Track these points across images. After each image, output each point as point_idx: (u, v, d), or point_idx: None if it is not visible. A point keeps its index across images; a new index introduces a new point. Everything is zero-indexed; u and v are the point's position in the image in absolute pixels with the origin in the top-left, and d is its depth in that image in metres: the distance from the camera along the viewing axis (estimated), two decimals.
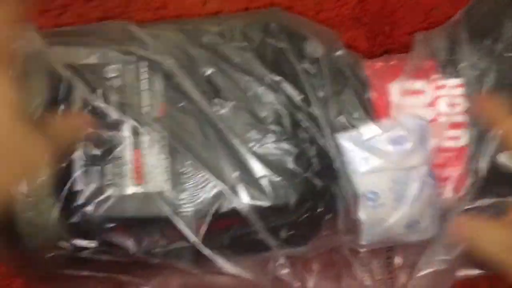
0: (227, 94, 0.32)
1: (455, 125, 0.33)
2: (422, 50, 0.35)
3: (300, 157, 0.31)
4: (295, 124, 0.32)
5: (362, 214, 0.33)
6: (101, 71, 0.32)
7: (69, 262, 0.31)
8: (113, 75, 0.32)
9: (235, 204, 0.31)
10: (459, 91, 0.33)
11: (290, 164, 0.31)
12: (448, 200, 0.34)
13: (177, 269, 0.32)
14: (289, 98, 0.32)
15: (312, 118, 0.32)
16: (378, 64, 0.36)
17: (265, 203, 0.31)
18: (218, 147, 0.31)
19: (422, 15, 0.41)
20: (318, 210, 0.32)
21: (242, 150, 0.31)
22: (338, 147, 0.32)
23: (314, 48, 0.34)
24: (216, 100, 0.32)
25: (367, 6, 0.41)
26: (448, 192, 0.34)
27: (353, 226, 0.33)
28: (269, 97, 0.32)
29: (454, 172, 0.33)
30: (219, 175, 0.30)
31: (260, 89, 0.32)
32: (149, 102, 0.31)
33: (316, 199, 0.32)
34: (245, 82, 0.32)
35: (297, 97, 0.32)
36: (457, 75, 0.33)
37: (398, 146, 0.32)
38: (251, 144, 0.31)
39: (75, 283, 0.33)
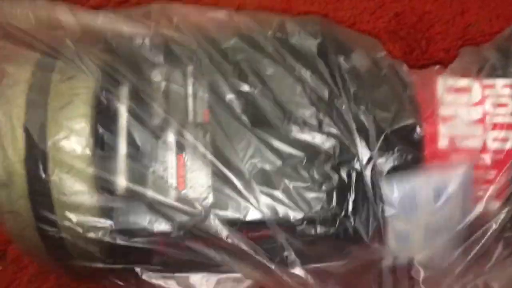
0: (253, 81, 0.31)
1: (501, 126, 0.31)
2: (469, 56, 0.34)
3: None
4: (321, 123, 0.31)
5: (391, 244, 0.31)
6: (148, 74, 0.31)
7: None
8: (159, 78, 0.31)
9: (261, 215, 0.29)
10: (508, 91, 0.32)
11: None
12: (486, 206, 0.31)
13: None
14: (315, 91, 0.31)
15: (339, 115, 0.30)
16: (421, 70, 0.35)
17: (295, 214, 0.29)
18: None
19: (459, 31, 0.40)
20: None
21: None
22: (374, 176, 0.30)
23: (360, 59, 0.33)
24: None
25: (404, 20, 0.40)
26: (488, 197, 0.31)
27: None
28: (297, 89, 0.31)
29: (497, 176, 0.31)
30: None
31: (289, 81, 0.31)
32: (194, 108, 0.30)
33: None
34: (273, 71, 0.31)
35: (324, 90, 0.31)
36: (505, 75, 0.32)
37: (439, 195, 0.31)
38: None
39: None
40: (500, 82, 0.32)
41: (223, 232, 0.29)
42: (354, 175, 0.30)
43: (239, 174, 0.29)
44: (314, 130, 0.30)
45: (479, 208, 0.31)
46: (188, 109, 0.30)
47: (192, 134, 0.29)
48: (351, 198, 0.30)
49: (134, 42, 0.32)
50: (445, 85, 0.31)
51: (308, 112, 0.30)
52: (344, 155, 0.30)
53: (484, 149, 0.31)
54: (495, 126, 0.32)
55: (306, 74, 0.31)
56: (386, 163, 0.30)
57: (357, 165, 0.30)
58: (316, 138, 0.30)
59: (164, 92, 0.31)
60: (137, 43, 0.32)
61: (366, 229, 0.30)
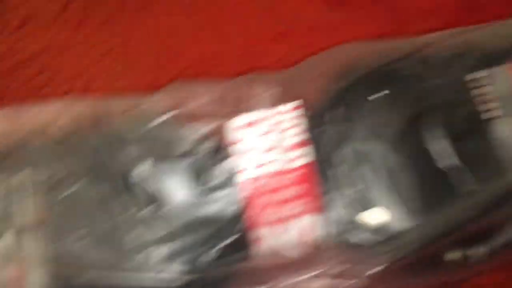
0: None
1: (296, 146, 0.35)
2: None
3: None
4: None
5: None
6: None
7: None
8: None
9: None
10: (294, 113, 0.35)
11: None
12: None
13: None
14: None
15: None
16: None
17: None
18: None
19: None
20: None
21: None
22: None
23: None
24: None
25: None
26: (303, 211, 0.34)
27: None
28: None
29: (305, 189, 0.34)
30: None
31: None
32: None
33: None
34: None
35: None
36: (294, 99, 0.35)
37: None
38: None
39: None
40: (288, 105, 0.35)
41: None
42: None
43: None
44: None
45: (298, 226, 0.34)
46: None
47: None
48: None
49: None
50: (233, 125, 0.35)
51: None
52: None
53: (285, 170, 0.35)
54: (292, 147, 0.35)
55: None
56: None
57: None
58: None
59: None
60: None
61: None
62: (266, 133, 0.35)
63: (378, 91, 0.37)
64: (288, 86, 0.37)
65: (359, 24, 0.48)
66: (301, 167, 0.35)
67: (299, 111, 0.35)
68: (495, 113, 0.36)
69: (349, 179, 0.35)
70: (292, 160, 0.35)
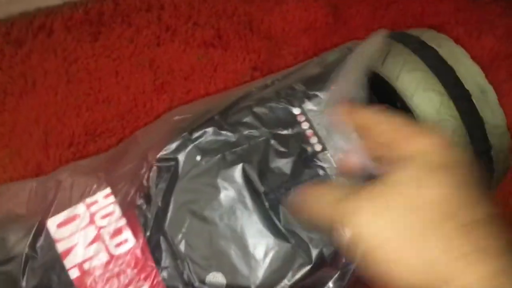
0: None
1: (117, 232, 0.35)
2: None
3: None
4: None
5: None
6: None
7: None
8: None
9: None
10: (110, 199, 0.35)
11: None
12: None
13: None
14: None
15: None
16: None
17: None
18: None
19: None
20: None
21: None
22: None
23: None
24: None
25: None
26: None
27: None
28: None
29: (141, 268, 0.35)
30: None
31: None
32: None
33: None
34: None
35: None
36: (105, 186, 0.35)
37: None
38: None
39: None
40: (100, 194, 0.36)
41: None
42: None
43: None
44: None
45: None
46: None
47: None
48: None
49: None
50: (54, 224, 0.36)
51: None
52: None
53: (111, 259, 0.35)
54: (114, 234, 0.35)
55: None
56: None
57: None
58: None
59: None
60: None
61: None
62: (85, 227, 0.36)
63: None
64: (105, 171, 0.37)
65: (235, 60, 0.48)
66: (129, 250, 0.35)
67: (112, 198, 0.35)
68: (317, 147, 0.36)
69: (184, 249, 0.35)
70: (118, 246, 0.35)
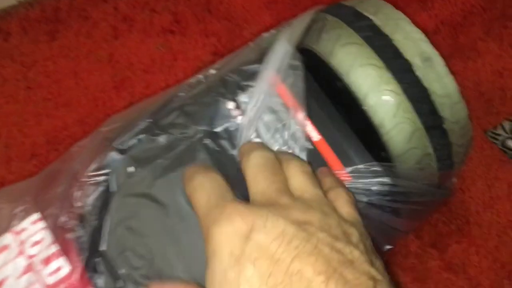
0: None
1: (49, 259, 0.32)
2: None
3: None
4: None
5: None
6: None
7: None
8: None
9: None
10: (40, 225, 0.33)
11: None
12: None
13: None
14: None
15: None
16: None
17: None
18: None
19: None
20: None
21: None
22: None
23: None
24: None
25: None
26: None
27: None
28: None
29: None
30: None
31: None
32: None
33: None
34: None
35: None
36: (34, 211, 0.33)
37: None
38: None
39: None
40: (28, 221, 0.33)
41: None
42: None
43: None
44: None
45: None
46: None
47: None
48: None
49: None
50: None
51: None
52: None
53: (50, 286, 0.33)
54: (46, 262, 0.33)
55: None
56: None
57: None
58: None
59: None
60: None
61: None
62: (15, 257, 0.33)
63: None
64: (34, 195, 0.34)
65: (195, 45, 0.47)
66: (63, 279, 0.32)
67: (42, 223, 0.33)
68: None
69: (124, 269, 0.32)
70: (51, 274, 0.32)
